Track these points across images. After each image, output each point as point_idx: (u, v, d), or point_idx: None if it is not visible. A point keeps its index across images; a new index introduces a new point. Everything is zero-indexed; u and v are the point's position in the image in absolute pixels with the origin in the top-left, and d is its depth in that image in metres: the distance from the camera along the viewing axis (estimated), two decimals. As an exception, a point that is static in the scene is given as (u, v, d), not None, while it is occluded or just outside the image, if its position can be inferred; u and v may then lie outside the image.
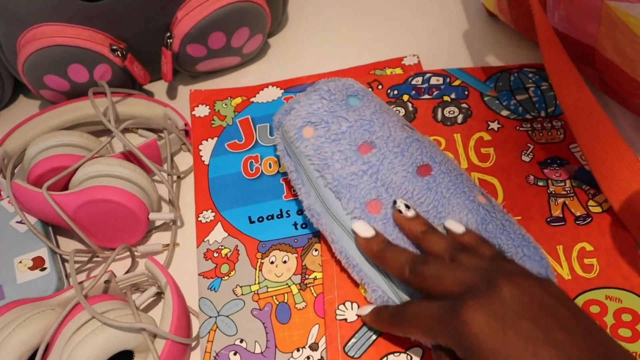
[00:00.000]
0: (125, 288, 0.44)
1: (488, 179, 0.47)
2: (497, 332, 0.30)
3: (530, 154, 0.48)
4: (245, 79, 0.59)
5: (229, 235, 0.47)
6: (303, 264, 0.45)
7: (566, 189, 0.46)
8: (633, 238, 0.43)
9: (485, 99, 0.52)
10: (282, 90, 0.55)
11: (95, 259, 0.48)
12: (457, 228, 0.39)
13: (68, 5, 0.49)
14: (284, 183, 0.49)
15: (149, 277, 0.45)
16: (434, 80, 0.54)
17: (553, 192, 0.46)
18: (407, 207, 0.40)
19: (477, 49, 0.59)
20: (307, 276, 0.44)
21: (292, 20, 0.64)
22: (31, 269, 0.45)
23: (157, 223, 0.50)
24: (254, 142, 0.52)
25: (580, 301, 0.40)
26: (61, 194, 0.45)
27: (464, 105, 0.52)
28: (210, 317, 0.43)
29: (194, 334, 0.44)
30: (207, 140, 0.52)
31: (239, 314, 0.43)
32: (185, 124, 0.54)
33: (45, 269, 0.45)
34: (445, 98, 0.52)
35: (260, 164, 0.50)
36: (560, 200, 0.46)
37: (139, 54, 0.54)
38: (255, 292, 0.44)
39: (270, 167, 0.50)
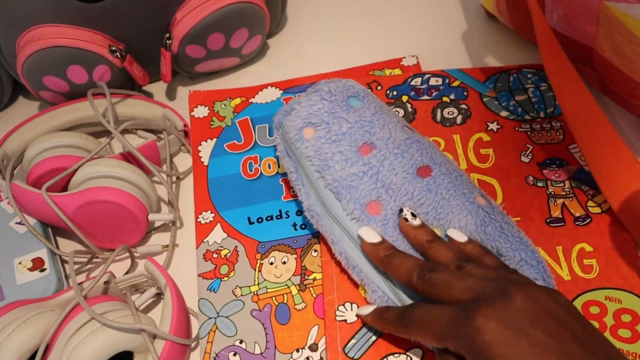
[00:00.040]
0: (125, 289, 0.44)
1: (487, 179, 0.47)
2: (510, 340, 0.30)
3: (530, 154, 0.48)
4: (244, 79, 0.59)
5: (228, 236, 0.47)
6: (302, 264, 0.45)
7: (565, 189, 0.46)
8: (632, 238, 0.43)
9: (485, 99, 0.52)
10: (281, 91, 0.55)
11: (94, 259, 0.48)
12: (460, 237, 0.39)
13: (67, 7, 0.49)
14: (283, 184, 0.49)
15: (148, 278, 0.45)
16: (433, 81, 0.54)
17: (552, 192, 0.46)
18: (414, 215, 0.40)
19: (476, 49, 0.59)
20: (306, 277, 0.44)
21: (291, 21, 0.65)
22: (31, 270, 0.45)
23: (157, 224, 0.50)
24: (253, 143, 0.52)
25: (579, 302, 0.41)
26: (60, 195, 0.45)
27: (463, 106, 0.52)
28: (209, 318, 0.43)
29: (194, 334, 0.44)
30: (206, 141, 0.52)
31: (238, 315, 0.43)
32: (185, 125, 0.54)
33: (44, 270, 0.45)
34: (445, 99, 0.52)
35: (260, 165, 0.50)
36: (560, 201, 0.46)
37: (138, 55, 0.54)
38: (255, 292, 0.44)
39: (269, 167, 0.50)
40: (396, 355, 0.39)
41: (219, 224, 0.47)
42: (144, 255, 0.48)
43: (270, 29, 0.59)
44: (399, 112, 0.52)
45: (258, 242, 0.46)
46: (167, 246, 0.48)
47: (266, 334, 0.42)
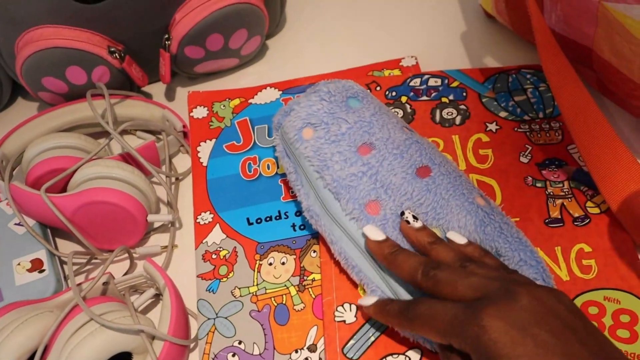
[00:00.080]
0: (124, 290, 0.44)
1: (486, 180, 0.47)
2: (516, 340, 0.30)
3: (529, 155, 0.48)
4: (243, 80, 0.59)
5: (227, 236, 0.47)
6: (301, 265, 0.45)
7: (564, 190, 0.46)
8: (631, 239, 0.43)
9: (484, 100, 0.52)
10: (281, 92, 0.55)
11: (93, 260, 0.48)
12: (459, 239, 0.39)
13: (66, 8, 0.49)
14: (282, 184, 0.49)
15: (147, 278, 0.45)
16: (432, 82, 0.54)
17: (551, 193, 0.46)
18: (415, 218, 0.40)
19: (475, 50, 0.59)
20: (305, 277, 0.44)
21: (290, 21, 0.65)
22: (30, 271, 0.45)
23: (156, 225, 0.50)
24: (252, 144, 0.52)
25: (578, 302, 0.41)
26: (59, 196, 0.45)
27: (462, 106, 0.52)
28: (208, 318, 0.43)
29: (193, 335, 0.44)
30: (205, 142, 0.52)
31: (237, 316, 0.43)
32: (184, 126, 0.54)
33: (43, 270, 0.45)
34: (444, 99, 0.52)
35: (259, 166, 0.50)
36: (559, 201, 0.46)
37: (137, 55, 0.54)
38: (254, 293, 0.44)
39: (268, 168, 0.50)
40: (395, 355, 0.39)
41: (218, 225, 0.47)
42: (143, 256, 0.48)
43: (269, 30, 0.59)
44: (398, 113, 0.52)
45: (257, 242, 0.46)
46: (166, 247, 0.48)
47: (265, 334, 0.42)
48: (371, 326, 0.40)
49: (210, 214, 0.48)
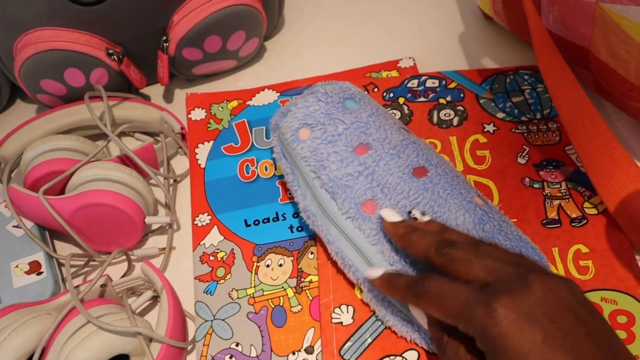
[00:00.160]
0: (122, 292, 0.44)
1: (484, 181, 0.47)
2: (525, 334, 0.29)
3: (526, 156, 0.48)
4: (241, 82, 0.59)
5: (225, 238, 0.47)
6: (299, 267, 0.45)
7: (562, 191, 0.46)
8: (628, 240, 0.43)
9: (481, 101, 0.52)
10: (278, 94, 0.55)
11: (91, 262, 0.48)
12: None
13: (64, 10, 0.49)
14: (279, 186, 0.49)
15: (145, 280, 0.45)
16: (429, 83, 0.54)
17: (549, 194, 0.46)
18: (423, 213, 0.40)
19: (472, 51, 0.59)
20: (302, 279, 0.44)
21: (288, 23, 0.65)
22: (28, 273, 0.45)
23: (154, 227, 0.50)
24: (250, 145, 0.52)
25: (575, 303, 0.40)
26: (57, 198, 0.45)
27: (460, 107, 0.52)
28: (206, 320, 0.43)
29: (190, 337, 0.44)
30: (203, 144, 0.52)
31: (234, 318, 0.43)
32: (182, 128, 0.54)
33: (41, 273, 0.45)
34: (441, 100, 0.52)
35: (256, 167, 0.51)
36: (556, 202, 0.46)
37: (135, 57, 0.54)
38: (251, 295, 0.44)
39: (266, 170, 0.50)
40: (392, 357, 0.39)
41: (215, 227, 0.48)
42: (140, 258, 0.48)
43: (267, 32, 0.59)
44: (395, 114, 0.52)
45: (254, 244, 0.46)
46: (163, 249, 0.48)
47: (262, 336, 0.42)
48: (368, 328, 0.40)
49: (208, 215, 0.48)
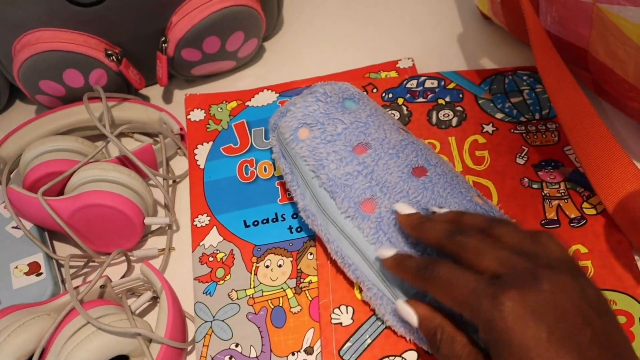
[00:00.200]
0: (121, 293, 0.44)
1: (483, 182, 0.47)
2: (530, 332, 0.29)
3: (525, 156, 0.48)
4: (240, 82, 0.59)
5: (224, 239, 0.47)
6: (298, 267, 0.45)
7: (560, 191, 0.46)
8: (627, 240, 0.43)
9: (480, 101, 0.52)
10: (278, 94, 0.55)
11: (91, 263, 0.48)
12: None
13: (63, 11, 0.49)
14: (279, 187, 0.49)
15: (144, 281, 0.45)
16: (428, 84, 0.54)
17: (547, 194, 0.46)
18: (440, 207, 0.40)
19: (471, 51, 0.59)
20: (302, 280, 0.44)
21: (287, 24, 0.65)
22: (27, 274, 0.45)
23: (153, 227, 0.50)
24: (249, 146, 0.52)
25: (574, 303, 0.41)
26: (57, 199, 0.45)
27: (459, 108, 0.52)
28: (205, 321, 0.43)
29: (190, 338, 0.44)
30: (202, 145, 0.52)
31: (234, 318, 0.43)
32: (181, 128, 0.54)
33: (41, 274, 0.45)
34: (440, 101, 0.52)
35: (256, 168, 0.51)
36: (555, 202, 0.46)
37: (134, 58, 0.54)
38: (251, 296, 0.44)
39: (265, 170, 0.50)
40: (391, 357, 0.39)
41: (215, 227, 0.48)
42: (140, 259, 0.48)
43: (266, 32, 0.59)
44: (394, 115, 0.52)
45: (254, 245, 0.46)
46: (163, 250, 0.48)
47: (262, 337, 0.42)
48: (368, 329, 0.40)
49: (207, 216, 0.48)
